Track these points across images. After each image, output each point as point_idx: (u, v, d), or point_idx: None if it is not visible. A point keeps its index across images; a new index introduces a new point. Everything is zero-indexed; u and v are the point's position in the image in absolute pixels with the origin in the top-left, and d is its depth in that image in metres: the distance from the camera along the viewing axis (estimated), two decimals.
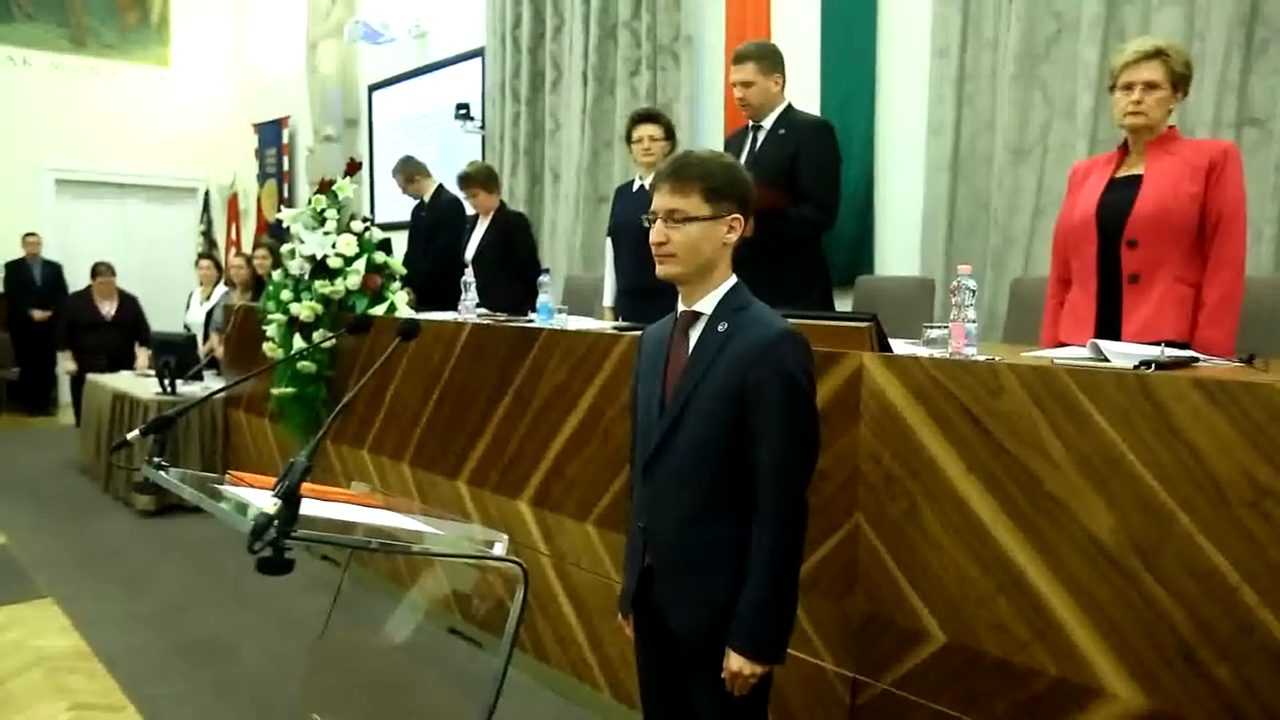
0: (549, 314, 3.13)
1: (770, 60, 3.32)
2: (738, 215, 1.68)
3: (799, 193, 3.24)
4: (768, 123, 3.35)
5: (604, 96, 5.42)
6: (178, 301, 6.90)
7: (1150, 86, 2.37)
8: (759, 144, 3.35)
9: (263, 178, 9.14)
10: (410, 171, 5.40)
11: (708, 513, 1.66)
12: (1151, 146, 2.42)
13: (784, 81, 3.37)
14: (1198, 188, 2.33)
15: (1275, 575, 1.51)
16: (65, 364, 7.05)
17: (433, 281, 4.88)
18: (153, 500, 4.92)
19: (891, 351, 2.06)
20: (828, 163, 3.31)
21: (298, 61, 8.25)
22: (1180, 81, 2.39)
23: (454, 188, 4.99)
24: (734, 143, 3.50)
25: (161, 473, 1.71)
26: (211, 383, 5.50)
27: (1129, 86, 2.39)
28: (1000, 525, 1.82)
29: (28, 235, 8.01)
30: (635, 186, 3.88)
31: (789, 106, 3.37)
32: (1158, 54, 2.36)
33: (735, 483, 1.63)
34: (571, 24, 5.58)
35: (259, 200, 9.17)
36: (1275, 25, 3.10)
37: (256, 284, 5.94)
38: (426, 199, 5.40)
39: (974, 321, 1.98)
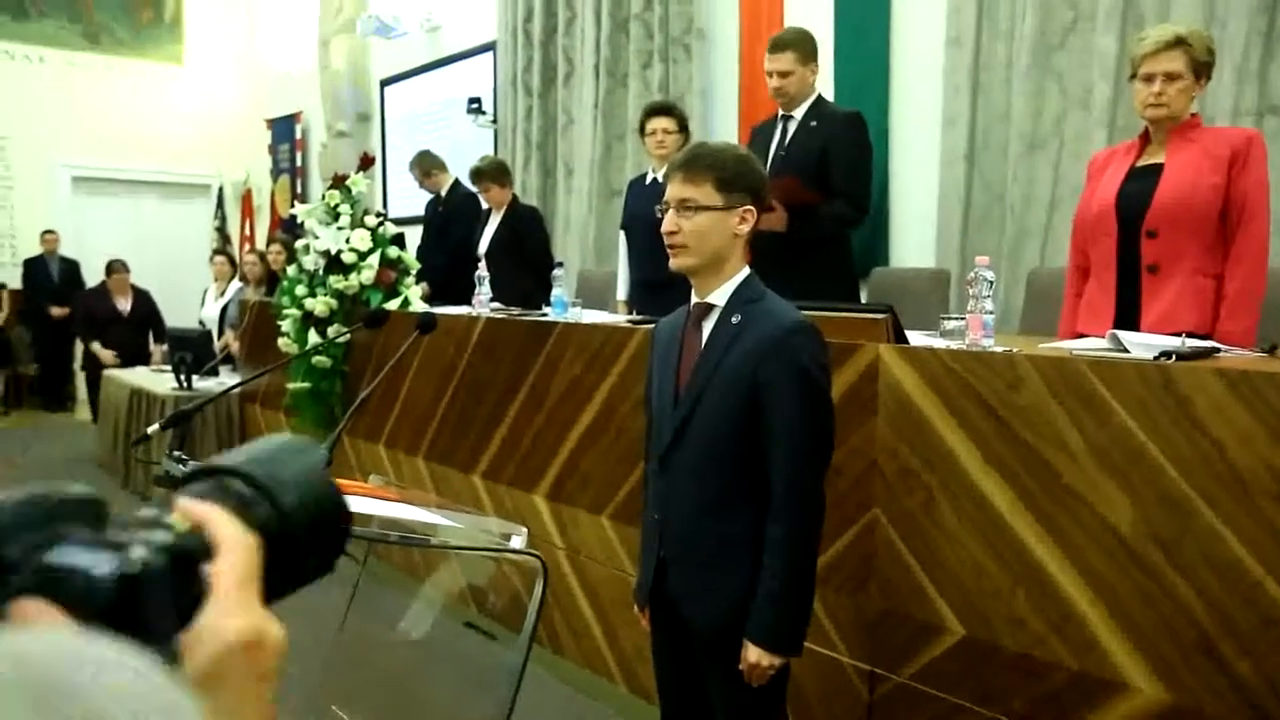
0: (563, 308, 3.13)
1: (808, 48, 3.27)
2: (750, 207, 1.67)
3: (830, 187, 3.18)
4: (798, 113, 3.29)
5: (616, 90, 5.41)
6: (193, 297, 6.93)
7: (1171, 77, 2.32)
8: (790, 135, 3.30)
9: (276, 173, 9.17)
10: (427, 166, 5.41)
11: (721, 505, 1.66)
12: (1173, 135, 2.37)
13: (817, 70, 3.32)
14: (1220, 178, 2.29)
15: None
16: (102, 354, 6.92)
17: (447, 276, 4.89)
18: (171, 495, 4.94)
19: (908, 343, 2.04)
20: (862, 157, 3.26)
21: (310, 57, 8.27)
22: (1202, 69, 2.34)
23: (467, 182, 5.00)
24: (763, 132, 3.43)
25: (182, 466, 1.72)
26: (227, 378, 5.53)
27: (1150, 78, 2.34)
28: (1018, 518, 1.81)
29: (45, 233, 8.05)
30: (648, 179, 3.87)
31: (819, 97, 3.33)
32: (1179, 43, 2.31)
33: (749, 476, 1.63)
34: (583, 17, 5.57)
35: (273, 196, 9.20)
36: None
37: (271, 279, 5.96)
38: (443, 194, 5.41)
39: (991, 313, 1.97)
